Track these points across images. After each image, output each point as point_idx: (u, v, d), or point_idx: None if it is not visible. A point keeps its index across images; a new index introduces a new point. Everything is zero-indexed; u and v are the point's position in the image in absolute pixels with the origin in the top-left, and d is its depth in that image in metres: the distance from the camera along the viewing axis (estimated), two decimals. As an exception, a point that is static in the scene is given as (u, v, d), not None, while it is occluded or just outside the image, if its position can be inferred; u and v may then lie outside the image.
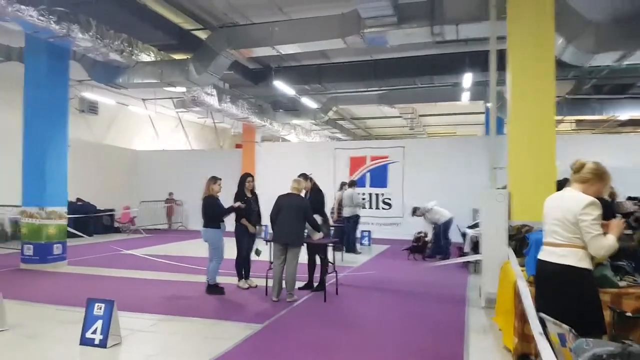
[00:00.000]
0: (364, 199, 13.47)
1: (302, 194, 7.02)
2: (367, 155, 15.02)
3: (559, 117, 13.33)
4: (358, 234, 11.35)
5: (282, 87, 11.69)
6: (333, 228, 10.31)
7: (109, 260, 9.28)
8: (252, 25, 8.70)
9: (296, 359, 4.09)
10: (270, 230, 6.41)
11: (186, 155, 17.18)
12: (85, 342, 4.17)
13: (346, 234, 10.65)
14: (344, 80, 11.66)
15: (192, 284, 6.96)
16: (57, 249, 8.26)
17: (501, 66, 6.22)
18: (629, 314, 3.36)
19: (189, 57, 9.01)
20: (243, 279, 6.85)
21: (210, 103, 11.52)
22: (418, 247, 9.97)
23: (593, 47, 6.92)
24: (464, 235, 9.22)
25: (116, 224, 14.89)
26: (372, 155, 14.98)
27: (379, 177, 14.81)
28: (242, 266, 6.85)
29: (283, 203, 6.16)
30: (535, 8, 5.85)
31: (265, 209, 6.30)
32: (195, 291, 6.51)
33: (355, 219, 10.89)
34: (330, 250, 6.74)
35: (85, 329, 4.21)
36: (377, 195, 14.79)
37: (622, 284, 3.77)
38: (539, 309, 3.05)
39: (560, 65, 7.65)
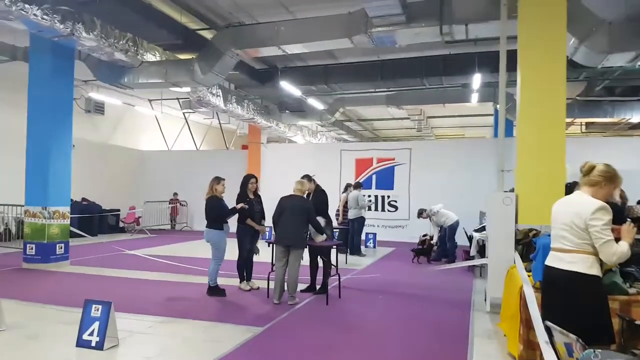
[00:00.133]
0: (369, 201, 13.37)
1: (305, 196, 6.97)
2: (374, 157, 14.94)
3: (569, 119, 13.14)
4: (363, 236, 11.25)
5: (288, 87, 11.62)
6: (337, 230, 10.26)
7: (112, 260, 9.26)
8: (258, 24, 8.63)
9: (296, 364, 4.00)
10: (273, 232, 6.33)
11: (192, 155, 17.18)
12: (81, 344, 4.11)
13: (351, 236, 10.57)
14: (350, 81, 11.57)
15: (194, 285, 6.90)
16: (59, 249, 8.24)
17: (511, 67, 6.09)
18: (638, 322, 3.26)
19: (194, 57, 8.97)
20: (245, 281, 6.78)
21: (216, 103, 11.47)
22: (423, 250, 9.88)
23: (606, 47, 6.76)
24: (470, 238, 9.11)
25: (121, 224, 14.91)
26: (378, 157, 14.90)
27: (385, 179, 14.72)
28: (244, 268, 6.77)
29: (286, 205, 6.08)
30: (546, 7, 5.70)
31: (270, 210, 6.22)
32: (196, 292, 6.45)
33: (360, 221, 10.81)
34: (333, 252, 6.64)
35: (82, 330, 4.15)
36: (383, 197, 14.70)
37: (631, 291, 3.68)
38: (545, 316, 2.99)
39: (572, 65, 7.54)
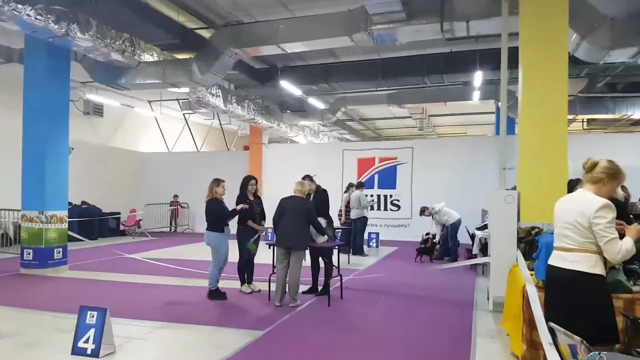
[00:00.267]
0: (372, 200, 13.32)
1: (306, 196, 6.87)
2: (376, 157, 14.96)
3: (571, 116, 13.09)
4: (366, 236, 11.22)
5: (289, 87, 11.52)
6: (340, 230, 10.18)
7: (111, 264, 9.14)
8: (257, 23, 8.54)
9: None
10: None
11: (193, 157, 17.09)
12: (77, 351, 4.00)
13: (353, 236, 10.54)
14: (351, 80, 11.51)
15: (194, 289, 6.79)
16: (57, 254, 8.11)
17: (513, 64, 6.03)
18: None
19: (192, 56, 8.87)
20: (246, 284, 6.68)
21: (216, 104, 11.36)
22: (426, 249, 9.87)
23: (608, 42, 6.70)
24: (472, 236, 9.12)
25: (122, 227, 14.82)
26: (380, 157, 14.91)
27: (388, 178, 14.72)
28: (245, 270, 6.67)
29: (286, 206, 5.99)
30: (548, 3, 5.65)
31: (272, 211, 6.14)
32: (196, 296, 6.34)
33: (362, 221, 10.75)
34: (334, 253, 6.56)
35: (77, 338, 4.04)
36: (385, 196, 14.69)
37: (635, 288, 3.62)
38: (548, 317, 2.94)
39: (574, 62, 7.53)
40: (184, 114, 16.61)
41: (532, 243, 5.23)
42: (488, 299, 5.84)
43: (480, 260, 7.58)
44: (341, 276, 6.46)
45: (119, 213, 14.60)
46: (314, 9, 8.17)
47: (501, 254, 5.41)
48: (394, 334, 4.81)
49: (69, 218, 8.70)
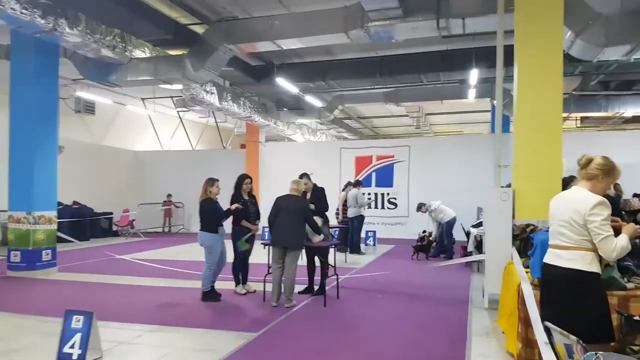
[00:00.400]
0: (369, 199, 13.27)
1: (308, 195, 6.76)
2: (373, 155, 14.96)
3: (565, 114, 13.21)
4: (363, 234, 11.17)
5: (285, 84, 11.37)
6: (337, 229, 10.11)
7: (102, 266, 8.94)
8: (251, 19, 8.39)
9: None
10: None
11: (188, 155, 16.91)
12: (62, 357, 3.83)
13: (350, 234, 10.52)
14: (348, 78, 11.45)
15: (187, 291, 6.64)
16: (46, 255, 7.91)
17: (508, 62, 6.06)
18: (637, 317, 3.20)
19: (185, 52, 8.69)
20: (240, 284, 6.54)
21: (211, 101, 11.17)
22: (422, 247, 9.92)
23: (602, 40, 6.71)
24: (468, 234, 9.18)
25: (115, 228, 14.60)
26: (377, 155, 14.93)
27: (385, 176, 14.73)
28: (240, 271, 6.53)
29: (281, 205, 5.89)
30: (544, 0, 5.68)
31: (269, 211, 6.01)
32: (189, 298, 6.18)
33: (359, 220, 10.72)
34: (331, 252, 6.48)
35: (62, 343, 3.87)
36: (382, 194, 14.68)
37: (629, 285, 3.64)
38: (544, 315, 2.92)
39: (568, 60, 7.57)
40: (178, 112, 16.40)
41: (527, 240, 5.23)
42: (483, 296, 5.84)
43: (475, 257, 7.63)
44: (337, 275, 6.40)
45: (112, 213, 14.38)
46: (310, 4, 8.05)
47: (496, 252, 5.40)
48: (390, 333, 4.75)
49: (59, 218, 8.52)
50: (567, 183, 5.26)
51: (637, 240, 4.12)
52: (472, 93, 12.09)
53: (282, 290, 5.82)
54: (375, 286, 7.12)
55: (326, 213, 7.12)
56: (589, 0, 6.59)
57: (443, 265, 8.47)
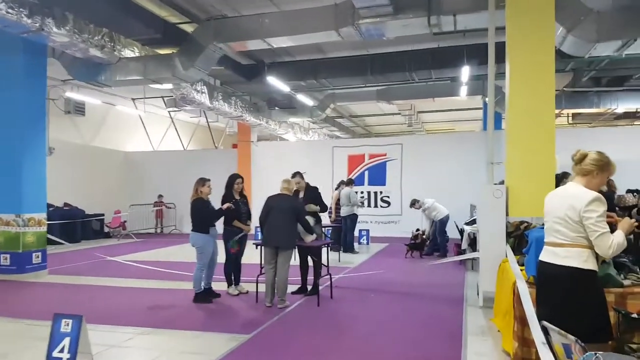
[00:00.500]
0: (362, 197, 13.24)
1: (301, 194, 6.72)
2: (366, 153, 14.93)
3: (556, 111, 13.25)
4: (356, 233, 11.17)
5: (276, 83, 11.31)
6: (330, 228, 10.09)
7: (93, 268, 8.84)
8: (241, 17, 8.33)
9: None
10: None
11: (179, 155, 16.79)
12: (51, 362, 3.77)
13: (344, 233, 10.50)
14: (340, 76, 11.37)
15: (179, 292, 6.58)
16: (36, 258, 7.81)
17: (499, 59, 6.04)
18: (634, 315, 3.13)
19: (174, 51, 8.61)
20: (233, 285, 6.50)
21: (201, 101, 11.09)
22: (416, 245, 9.91)
23: (594, 35, 6.73)
24: (461, 231, 9.17)
25: (106, 229, 14.46)
26: (370, 153, 14.90)
27: (378, 175, 14.71)
28: (232, 271, 6.48)
29: (273, 204, 5.85)
30: None
31: (259, 211, 5.96)
32: (181, 300, 6.13)
33: (352, 218, 10.71)
34: (324, 252, 6.44)
35: (51, 347, 3.80)
36: (375, 193, 14.65)
37: (626, 282, 3.60)
38: (540, 314, 2.88)
39: (559, 56, 7.60)
40: (169, 112, 16.27)
41: (521, 238, 5.20)
42: (478, 294, 5.82)
43: (470, 255, 7.61)
44: (331, 275, 6.37)
45: (103, 214, 14.25)
46: (300, 2, 7.99)
47: (490, 249, 5.36)
48: (384, 333, 4.72)
49: (49, 220, 8.42)
50: (559, 180, 5.25)
51: (631, 237, 4.14)
52: (463, 90, 12.09)
53: (275, 290, 5.77)
54: (369, 285, 7.09)
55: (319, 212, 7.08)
56: (580, -4, 6.59)
57: (437, 263, 8.45)
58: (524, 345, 3.53)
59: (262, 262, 5.97)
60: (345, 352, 4.18)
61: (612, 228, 2.73)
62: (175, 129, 17.46)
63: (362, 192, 14.07)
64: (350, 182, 11.13)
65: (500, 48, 5.91)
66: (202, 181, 6.21)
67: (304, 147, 16.35)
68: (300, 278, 6.51)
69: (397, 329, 4.91)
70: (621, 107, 13.29)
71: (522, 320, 3.45)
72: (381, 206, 14.55)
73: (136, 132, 17.14)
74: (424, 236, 10.00)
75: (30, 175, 7.80)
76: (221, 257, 6.38)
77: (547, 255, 2.88)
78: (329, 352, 4.19)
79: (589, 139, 12.35)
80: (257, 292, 6.01)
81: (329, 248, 6.80)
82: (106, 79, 8.69)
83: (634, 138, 12.88)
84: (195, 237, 6.08)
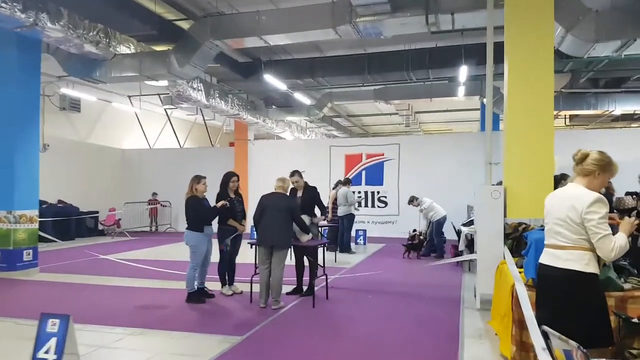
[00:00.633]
0: (359, 197, 13.17)
1: (299, 193, 6.65)
2: (363, 153, 14.87)
3: (554, 112, 13.19)
4: (353, 233, 11.11)
5: (273, 81, 11.23)
6: (327, 228, 10.01)
7: (85, 266, 8.73)
8: (238, 14, 8.25)
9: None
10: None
11: (176, 153, 16.69)
12: (37, 362, 3.68)
13: (340, 233, 10.44)
14: (337, 75, 11.32)
15: (172, 292, 6.49)
16: (27, 255, 7.71)
17: (498, 59, 5.98)
18: (635, 320, 3.08)
19: (170, 48, 8.52)
20: (227, 285, 6.41)
21: (198, 98, 11.00)
22: (414, 245, 9.87)
23: (593, 35, 6.69)
24: (458, 232, 9.08)
25: (101, 227, 14.34)
26: (367, 153, 14.84)
27: (375, 174, 14.65)
28: (226, 271, 6.40)
29: (267, 203, 5.76)
30: None
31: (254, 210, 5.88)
32: (174, 300, 6.04)
33: (349, 218, 10.65)
34: (320, 252, 6.35)
35: (37, 348, 3.71)
36: (372, 193, 14.59)
37: (626, 286, 3.52)
38: (540, 317, 2.79)
39: (558, 56, 7.57)
40: (165, 109, 16.16)
41: (519, 239, 5.13)
42: (475, 296, 5.75)
43: (467, 257, 7.54)
44: (326, 276, 6.30)
45: (98, 212, 14.13)
46: (297, 0, 7.91)
47: (488, 251, 5.30)
48: (380, 335, 4.65)
49: (42, 217, 8.32)
50: (558, 181, 5.20)
51: (629, 239, 4.07)
52: (461, 91, 12.05)
53: (270, 291, 5.69)
54: (366, 286, 7.02)
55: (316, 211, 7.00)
56: (579, -5, 6.55)
57: (434, 264, 8.39)
58: (522, 349, 3.46)
59: (257, 262, 5.88)
60: (340, 354, 4.11)
61: (614, 230, 2.66)
62: (172, 126, 17.36)
63: (359, 192, 14.01)
64: (347, 182, 11.07)
65: (498, 48, 5.85)
66: (198, 179, 6.13)
67: (301, 146, 16.27)
68: (295, 278, 6.43)
69: (394, 330, 4.85)
70: (619, 109, 13.29)
71: (520, 324, 3.38)
72: (378, 206, 14.49)
73: (132, 129, 17.02)
74: (421, 237, 9.93)
75: (22, 171, 7.71)
76: (215, 257, 6.30)
77: (548, 257, 2.82)
78: (323, 354, 4.12)
79: (586, 140, 12.19)
80: (251, 292, 5.93)
81: (325, 248, 6.71)
82: (101, 75, 8.60)
83: (632, 140, 12.84)
84: (189, 235, 5.99)
